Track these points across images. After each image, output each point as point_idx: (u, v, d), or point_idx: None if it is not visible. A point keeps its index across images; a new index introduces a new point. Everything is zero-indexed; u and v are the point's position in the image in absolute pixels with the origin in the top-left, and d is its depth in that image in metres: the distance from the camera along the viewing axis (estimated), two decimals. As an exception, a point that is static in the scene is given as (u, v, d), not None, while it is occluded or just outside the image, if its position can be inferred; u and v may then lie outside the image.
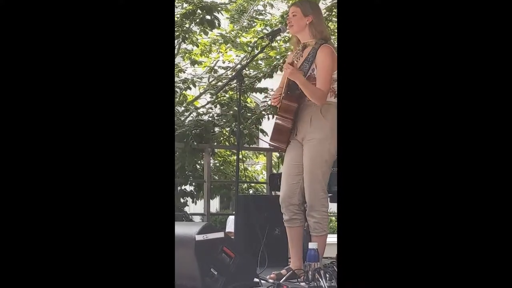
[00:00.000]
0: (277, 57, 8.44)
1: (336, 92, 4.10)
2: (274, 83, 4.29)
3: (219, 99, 8.49)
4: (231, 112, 8.01)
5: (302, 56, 4.16)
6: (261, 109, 8.27)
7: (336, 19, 7.82)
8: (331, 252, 5.26)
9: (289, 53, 5.36)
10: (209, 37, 8.93)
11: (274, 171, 7.51)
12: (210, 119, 8.08)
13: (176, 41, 8.43)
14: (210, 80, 9.09)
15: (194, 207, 9.48)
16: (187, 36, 8.37)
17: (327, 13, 7.71)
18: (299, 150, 4.15)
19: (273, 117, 4.24)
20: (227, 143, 8.33)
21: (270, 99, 4.39)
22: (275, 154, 7.93)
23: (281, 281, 3.85)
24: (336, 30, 8.05)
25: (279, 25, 7.43)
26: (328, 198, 4.15)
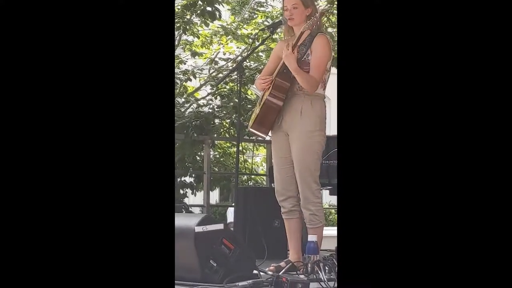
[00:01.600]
0: (278, 49, 8.41)
1: (326, 84, 4.11)
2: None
3: (219, 90, 8.47)
4: (232, 103, 8.00)
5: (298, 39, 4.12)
6: (262, 101, 8.24)
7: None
8: (330, 244, 5.26)
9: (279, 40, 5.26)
10: (210, 29, 8.90)
11: (274, 163, 7.50)
12: (210, 110, 8.07)
13: (176, 32, 8.41)
14: (211, 71, 9.07)
15: (194, 199, 9.48)
16: (188, 27, 8.35)
17: (328, 5, 7.69)
18: (286, 142, 4.13)
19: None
20: (227, 135, 8.32)
21: (259, 82, 4.23)
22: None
23: (280, 273, 3.85)
24: (337, 23, 8.05)
25: (280, 17, 7.41)
26: (321, 190, 4.16)
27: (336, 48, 4.75)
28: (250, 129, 4.22)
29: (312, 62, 4.05)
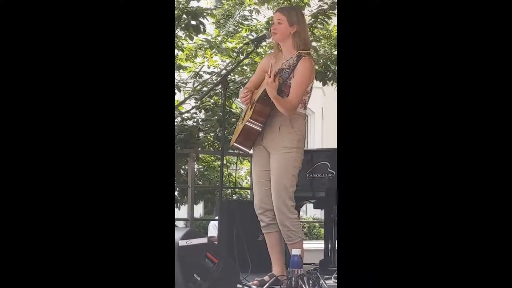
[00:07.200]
0: (262, 63, 8.42)
1: (307, 104, 4.13)
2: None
3: (203, 104, 8.48)
4: (216, 117, 8.00)
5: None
6: (246, 114, 8.25)
7: (321, 26, 7.86)
8: (315, 258, 5.26)
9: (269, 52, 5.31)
10: (194, 42, 8.90)
11: (258, 177, 7.50)
12: (194, 124, 8.07)
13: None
14: (195, 85, 9.06)
15: (178, 212, 9.45)
16: (172, 41, 8.35)
17: (312, 19, 7.72)
18: (266, 157, 4.16)
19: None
20: (211, 148, 8.32)
21: (240, 96, 4.35)
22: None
23: (264, 287, 3.85)
24: (321, 37, 8.10)
25: (265, 31, 7.44)
26: (296, 205, 4.18)
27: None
28: (234, 144, 4.24)
29: (293, 85, 4.09)
